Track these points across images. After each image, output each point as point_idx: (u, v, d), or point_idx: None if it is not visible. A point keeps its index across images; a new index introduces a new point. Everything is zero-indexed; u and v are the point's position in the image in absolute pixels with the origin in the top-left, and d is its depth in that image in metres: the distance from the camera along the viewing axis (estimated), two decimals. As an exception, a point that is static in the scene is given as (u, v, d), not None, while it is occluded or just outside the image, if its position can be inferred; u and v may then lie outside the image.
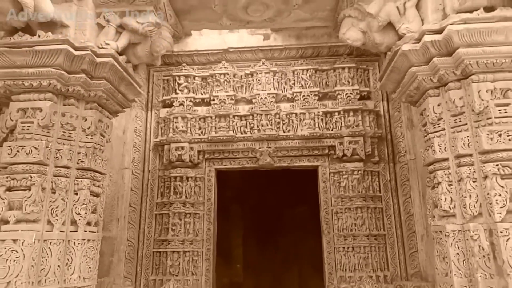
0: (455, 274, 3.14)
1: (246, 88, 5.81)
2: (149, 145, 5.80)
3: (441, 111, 3.43)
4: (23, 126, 3.38)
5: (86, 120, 3.66)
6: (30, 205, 3.17)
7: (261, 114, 5.59)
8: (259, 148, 5.53)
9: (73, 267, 3.36)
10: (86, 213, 3.51)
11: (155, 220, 5.52)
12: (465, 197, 3.15)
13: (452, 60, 3.27)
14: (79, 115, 3.64)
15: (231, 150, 5.62)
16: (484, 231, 3.05)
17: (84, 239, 3.47)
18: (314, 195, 5.73)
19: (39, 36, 3.37)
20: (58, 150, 3.46)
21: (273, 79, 5.76)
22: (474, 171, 3.17)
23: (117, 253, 5.22)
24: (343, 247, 5.14)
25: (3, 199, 3.22)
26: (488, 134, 3.07)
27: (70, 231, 3.43)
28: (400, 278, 5.01)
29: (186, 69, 5.86)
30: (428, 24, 3.40)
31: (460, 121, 3.31)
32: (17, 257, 3.06)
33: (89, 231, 3.57)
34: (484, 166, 3.09)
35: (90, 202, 3.58)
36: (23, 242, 3.10)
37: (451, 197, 3.27)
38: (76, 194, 3.52)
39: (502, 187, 3.00)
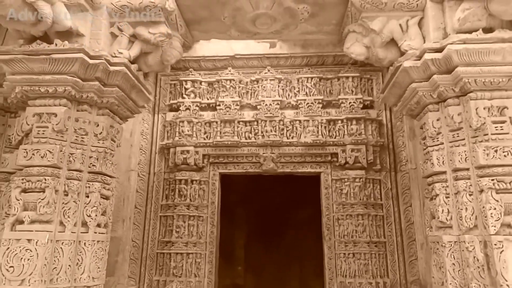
0: (450, 284, 3.24)
1: (251, 95, 5.91)
2: (155, 148, 5.89)
3: (440, 126, 3.54)
4: (38, 130, 3.48)
5: (98, 125, 3.76)
6: (44, 207, 3.28)
7: (266, 120, 5.67)
8: (263, 153, 5.62)
9: (83, 267, 3.46)
10: (96, 215, 3.61)
11: (160, 221, 5.60)
12: (462, 209, 3.25)
13: (451, 77, 3.38)
14: (91, 121, 3.73)
15: (236, 155, 5.70)
16: (479, 243, 3.14)
17: (94, 240, 3.57)
18: (316, 199, 5.79)
19: (56, 44, 3.48)
20: (71, 154, 3.55)
21: (278, 86, 5.85)
22: (471, 185, 3.27)
23: (122, 253, 5.29)
24: (344, 253, 5.20)
25: (18, 200, 3.32)
26: (484, 150, 3.17)
27: (81, 232, 3.52)
28: (400, 285, 5.08)
29: (193, 74, 5.96)
30: (429, 42, 3.51)
31: (458, 136, 3.41)
32: (31, 256, 3.17)
33: (99, 233, 3.67)
34: (480, 180, 3.19)
35: (100, 204, 3.67)
36: (37, 242, 3.20)
37: (448, 209, 3.37)
38: (87, 196, 3.62)
39: (497, 201, 3.10)
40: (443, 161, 3.47)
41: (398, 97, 4.04)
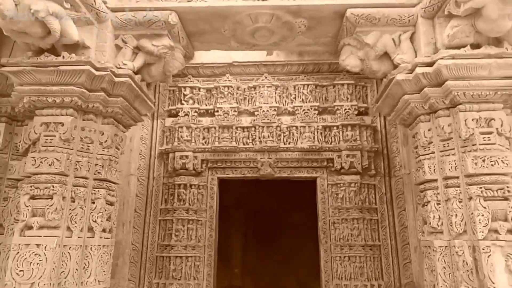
0: (441, 286, 3.37)
1: (249, 101, 6.01)
2: (154, 153, 5.95)
3: (431, 136, 3.69)
4: (46, 139, 3.59)
5: (103, 134, 3.87)
6: (52, 213, 3.39)
7: (263, 126, 5.79)
8: (260, 158, 5.72)
9: (90, 270, 3.57)
10: (102, 221, 3.72)
11: (159, 225, 5.67)
12: (452, 215, 3.39)
13: (442, 90, 3.53)
14: (97, 130, 3.84)
15: (233, 160, 5.80)
16: (468, 248, 3.28)
17: (99, 245, 3.69)
18: (312, 203, 5.90)
19: (63, 57, 3.59)
20: (78, 162, 3.66)
21: (275, 93, 5.96)
22: (460, 192, 3.41)
23: (122, 257, 5.36)
24: (340, 256, 5.31)
25: (27, 207, 3.43)
26: (473, 159, 3.32)
27: (87, 237, 3.63)
28: (394, 288, 5.21)
29: (191, 81, 6.05)
30: (421, 56, 3.66)
31: (448, 145, 3.56)
32: (40, 261, 3.28)
33: (104, 237, 3.78)
34: (469, 188, 3.33)
35: (105, 210, 3.79)
36: (45, 247, 3.31)
37: (439, 215, 3.51)
38: (93, 203, 3.72)
39: (485, 208, 3.25)
40: (434, 170, 3.61)
41: (391, 107, 4.18)
